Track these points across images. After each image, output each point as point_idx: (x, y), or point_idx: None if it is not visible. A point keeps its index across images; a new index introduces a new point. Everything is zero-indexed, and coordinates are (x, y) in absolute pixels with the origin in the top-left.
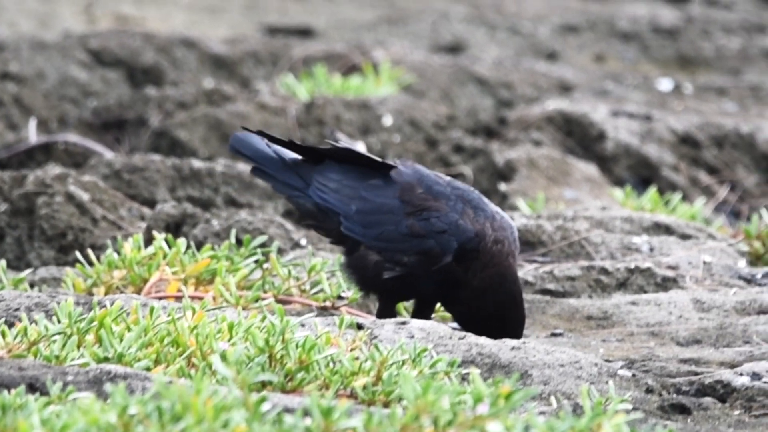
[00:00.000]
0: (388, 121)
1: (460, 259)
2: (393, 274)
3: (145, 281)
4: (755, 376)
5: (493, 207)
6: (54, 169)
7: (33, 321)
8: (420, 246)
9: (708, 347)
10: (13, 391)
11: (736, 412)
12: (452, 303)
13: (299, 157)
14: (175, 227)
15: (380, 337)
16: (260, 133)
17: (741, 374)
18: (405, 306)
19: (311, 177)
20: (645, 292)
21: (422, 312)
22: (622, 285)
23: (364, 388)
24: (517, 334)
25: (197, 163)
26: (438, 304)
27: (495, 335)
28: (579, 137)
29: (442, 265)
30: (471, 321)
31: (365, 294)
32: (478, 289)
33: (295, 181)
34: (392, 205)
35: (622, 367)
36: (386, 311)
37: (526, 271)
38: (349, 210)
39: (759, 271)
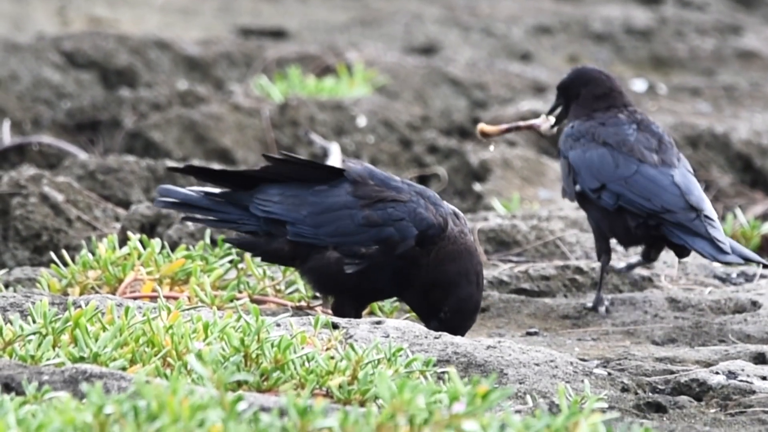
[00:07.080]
0: (362, 122)
1: (422, 245)
2: (355, 268)
3: (120, 281)
4: (731, 374)
5: (450, 206)
6: (28, 170)
7: (8, 321)
8: (378, 235)
9: (683, 346)
10: None
11: (712, 411)
12: (408, 288)
13: (226, 189)
14: (149, 228)
15: (355, 336)
16: (188, 169)
17: (716, 373)
18: (380, 305)
19: (249, 200)
20: (620, 291)
21: None
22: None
23: (340, 387)
24: (465, 316)
25: (171, 164)
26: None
27: (448, 320)
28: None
29: (404, 250)
30: (425, 302)
31: (324, 296)
32: (435, 260)
33: (230, 210)
34: (345, 200)
35: (597, 366)
36: (344, 308)
37: (501, 270)
38: (299, 216)
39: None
